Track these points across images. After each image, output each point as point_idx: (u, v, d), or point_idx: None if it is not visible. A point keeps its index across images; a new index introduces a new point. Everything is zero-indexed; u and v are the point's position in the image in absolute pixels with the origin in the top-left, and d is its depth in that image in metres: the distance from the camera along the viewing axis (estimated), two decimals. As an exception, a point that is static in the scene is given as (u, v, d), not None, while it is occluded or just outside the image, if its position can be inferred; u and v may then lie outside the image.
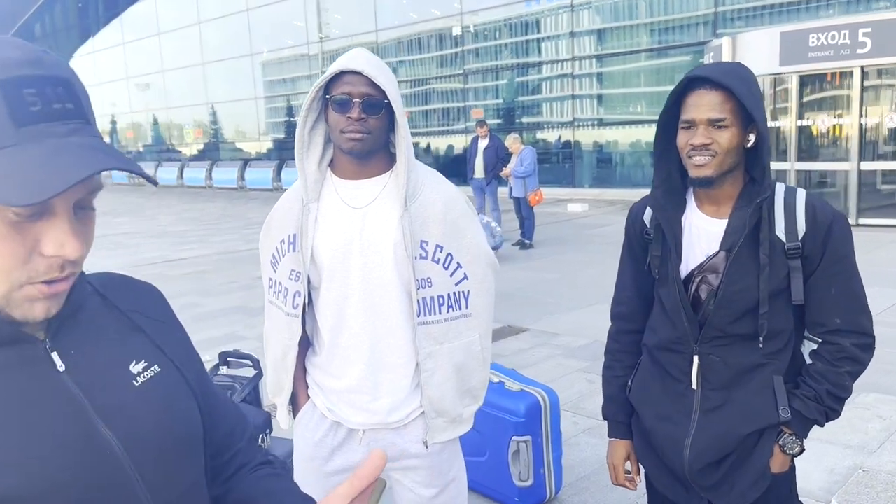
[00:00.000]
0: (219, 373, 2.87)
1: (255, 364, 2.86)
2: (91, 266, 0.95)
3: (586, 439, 4.14)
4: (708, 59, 13.83)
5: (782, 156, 12.40)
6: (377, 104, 1.79)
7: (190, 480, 0.93)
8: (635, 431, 2.04)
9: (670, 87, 1.79)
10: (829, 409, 1.78)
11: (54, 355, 0.84)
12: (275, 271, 2.00)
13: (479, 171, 11.65)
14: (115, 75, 34.50)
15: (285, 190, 2.08)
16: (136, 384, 0.90)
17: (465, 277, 1.94)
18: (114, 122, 36.58)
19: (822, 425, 1.82)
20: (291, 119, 26.64)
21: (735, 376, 1.81)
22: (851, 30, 11.13)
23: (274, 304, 2.02)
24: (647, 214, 1.94)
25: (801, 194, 1.78)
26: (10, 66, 0.74)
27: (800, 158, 12.17)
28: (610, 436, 2.10)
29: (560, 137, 19.87)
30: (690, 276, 1.82)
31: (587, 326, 6.36)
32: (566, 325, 6.62)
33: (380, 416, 1.94)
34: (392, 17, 22.83)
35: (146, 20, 31.80)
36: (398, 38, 23.01)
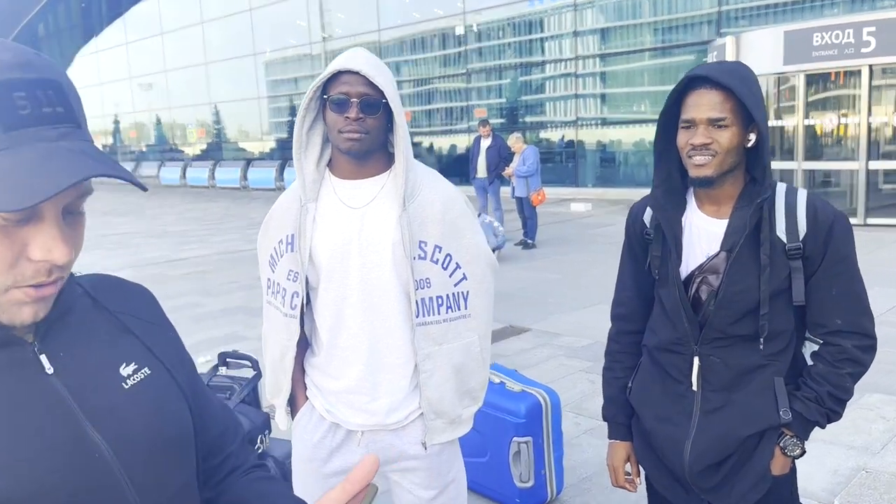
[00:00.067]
0: (218, 373, 2.86)
1: (255, 365, 2.85)
2: (93, 266, 0.94)
3: (588, 440, 4.13)
4: (711, 58, 13.80)
5: (787, 155, 12.36)
6: (375, 104, 1.79)
7: (180, 483, 0.92)
8: (635, 433, 2.03)
9: (673, 87, 1.78)
10: (830, 410, 1.77)
11: (43, 358, 0.84)
12: (273, 272, 1.99)
13: (481, 170, 11.64)
14: (118, 75, 34.55)
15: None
16: (126, 387, 0.89)
17: (464, 278, 1.93)
18: (117, 122, 36.63)
19: (823, 427, 1.80)
20: (294, 119, 26.61)
21: (735, 377, 1.80)
22: (856, 28, 11.09)
23: (272, 305, 2.01)
24: (648, 214, 1.92)
25: (801, 194, 1.76)
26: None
27: (807, 158, 12.11)
28: (610, 437, 2.08)
29: (563, 137, 19.84)
30: (691, 276, 1.80)
31: (589, 327, 6.34)
32: (568, 326, 6.60)
33: (378, 417, 1.93)
34: (395, 17, 22.83)
35: (149, 20, 31.84)
36: (401, 38, 23.00)
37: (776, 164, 12.28)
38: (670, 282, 1.82)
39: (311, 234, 1.90)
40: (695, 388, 1.84)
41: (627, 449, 2.05)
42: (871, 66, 11.13)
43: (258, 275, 2.09)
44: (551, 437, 3.40)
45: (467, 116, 21.46)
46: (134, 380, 0.90)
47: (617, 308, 2.07)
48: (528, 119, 20.62)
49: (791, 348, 1.82)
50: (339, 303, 1.90)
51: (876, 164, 11.58)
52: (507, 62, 20.75)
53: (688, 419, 1.85)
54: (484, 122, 11.71)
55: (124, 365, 0.91)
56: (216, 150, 30.65)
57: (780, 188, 1.78)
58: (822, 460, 3.78)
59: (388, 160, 1.93)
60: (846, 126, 11.92)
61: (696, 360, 1.82)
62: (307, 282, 1.93)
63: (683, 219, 1.84)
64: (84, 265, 10.81)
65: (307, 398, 2.04)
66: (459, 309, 1.93)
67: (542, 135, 20.35)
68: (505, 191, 11.72)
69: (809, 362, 1.82)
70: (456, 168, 20.28)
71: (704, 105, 1.68)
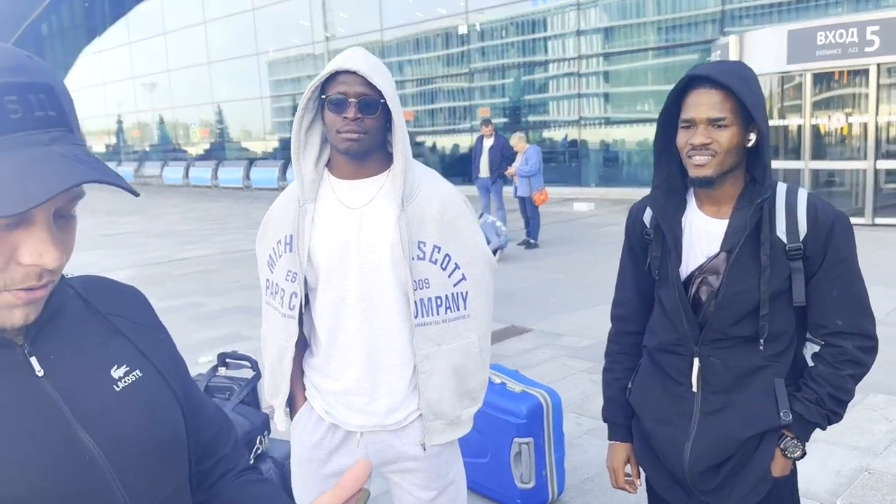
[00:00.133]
0: (217, 374, 2.86)
1: (254, 365, 2.84)
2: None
3: (590, 440, 4.12)
4: (715, 57, 13.77)
5: (791, 154, 12.33)
6: (373, 104, 1.78)
7: (173, 485, 0.92)
8: (635, 434, 2.02)
9: (673, 86, 1.77)
10: (831, 412, 1.76)
11: (33, 360, 0.83)
12: (272, 272, 1.99)
13: (484, 170, 11.63)
14: (121, 75, 34.58)
15: None
16: (117, 389, 0.89)
17: (464, 278, 1.92)
18: (120, 122, 36.67)
19: (823, 428, 1.79)
20: (297, 118, 26.59)
21: (736, 379, 1.79)
22: (860, 27, 11.06)
23: (271, 306, 2.00)
24: (647, 215, 1.91)
25: (802, 194, 1.75)
26: None
27: (814, 157, 12.07)
28: (610, 438, 2.08)
29: (566, 136, 19.82)
30: (691, 277, 1.80)
31: (592, 327, 6.33)
32: (570, 326, 6.59)
33: (377, 418, 1.93)
34: (398, 16, 22.82)
35: (152, 20, 31.86)
36: (404, 37, 22.99)
37: (783, 164, 12.26)
38: (670, 282, 1.81)
39: (310, 234, 1.89)
40: (695, 389, 1.83)
41: (627, 450, 2.04)
42: (878, 65, 11.08)
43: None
44: (552, 437, 3.39)
45: (470, 116, 21.44)
46: (125, 382, 0.90)
47: (617, 309, 2.06)
48: (531, 118, 20.60)
49: (791, 349, 1.81)
50: (337, 303, 1.89)
51: (884, 164, 11.52)
52: (509, 61, 20.73)
53: (688, 420, 1.84)
54: (486, 122, 11.69)
55: (116, 367, 0.90)
56: (219, 150, 30.67)
57: (781, 188, 1.77)
58: (824, 461, 3.77)
59: (386, 160, 1.92)
60: (854, 125, 11.87)
61: (695, 362, 1.81)
62: (306, 282, 1.92)
63: (683, 219, 1.83)
64: (85, 265, 10.86)
65: (306, 399, 2.03)
66: (458, 309, 1.92)
67: (545, 134, 20.33)
68: (507, 190, 11.70)
69: (810, 363, 1.81)
70: (458, 168, 20.27)
71: (704, 105, 1.67)
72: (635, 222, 1.96)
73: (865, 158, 11.56)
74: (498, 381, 3.44)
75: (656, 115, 1.81)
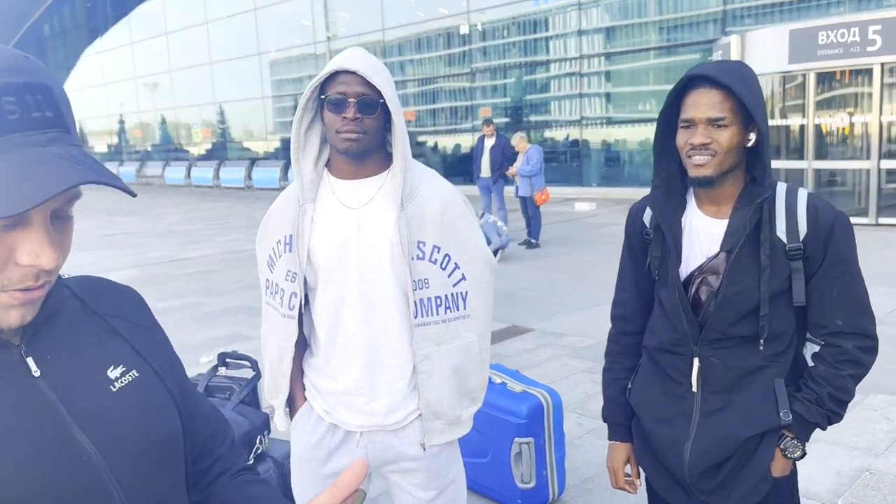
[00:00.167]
0: (217, 374, 2.86)
1: (254, 365, 2.85)
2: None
3: (591, 440, 4.12)
4: (716, 56, 13.76)
5: (793, 154, 12.30)
6: (372, 104, 1.78)
7: (169, 485, 0.92)
8: (635, 434, 2.01)
9: (673, 86, 1.77)
10: (831, 412, 1.76)
11: (29, 360, 0.83)
12: (271, 272, 1.99)
13: (485, 169, 11.62)
14: (123, 75, 34.60)
15: None
16: (114, 389, 0.89)
17: (463, 278, 1.92)
18: (122, 122, 36.69)
19: (823, 429, 1.79)
20: (299, 118, 26.60)
21: (735, 379, 1.79)
22: (861, 27, 11.04)
23: (270, 306, 2.00)
24: (647, 215, 1.91)
25: (802, 194, 1.75)
26: None
27: (817, 157, 12.04)
28: (610, 438, 2.07)
29: (567, 136, 19.81)
30: (690, 277, 1.79)
31: (593, 327, 6.33)
32: (572, 326, 6.59)
33: (377, 418, 1.93)
34: (399, 16, 22.81)
35: (154, 20, 31.88)
36: (405, 37, 22.98)
37: (786, 164, 12.24)
38: (670, 282, 1.81)
39: (309, 234, 1.89)
40: (694, 389, 1.82)
41: (627, 450, 2.04)
42: (882, 65, 11.06)
43: (262, 275, 2.08)
44: (553, 437, 3.39)
45: (471, 116, 21.44)
46: (122, 382, 0.90)
47: (617, 309, 2.06)
48: (533, 118, 20.60)
49: (791, 349, 1.81)
50: (337, 303, 1.89)
51: (888, 164, 11.49)
52: (511, 61, 20.73)
53: (687, 421, 1.84)
54: (488, 122, 11.68)
55: (112, 367, 0.90)
56: (221, 150, 30.69)
57: (781, 188, 1.76)
58: (825, 461, 3.76)
59: (386, 160, 1.92)
60: (857, 125, 11.84)
61: (695, 362, 1.81)
62: (305, 282, 1.92)
63: (683, 219, 1.83)
64: (86, 265, 10.86)
65: (305, 399, 2.03)
66: (458, 309, 1.92)
67: (547, 134, 20.32)
68: (509, 190, 11.70)
69: (810, 363, 1.81)
70: (460, 167, 20.26)
71: (704, 104, 1.67)
72: (635, 222, 1.96)
73: (869, 158, 11.54)
74: (498, 380, 3.44)
75: (658, 115, 1.81)
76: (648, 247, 1.90)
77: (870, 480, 3.56)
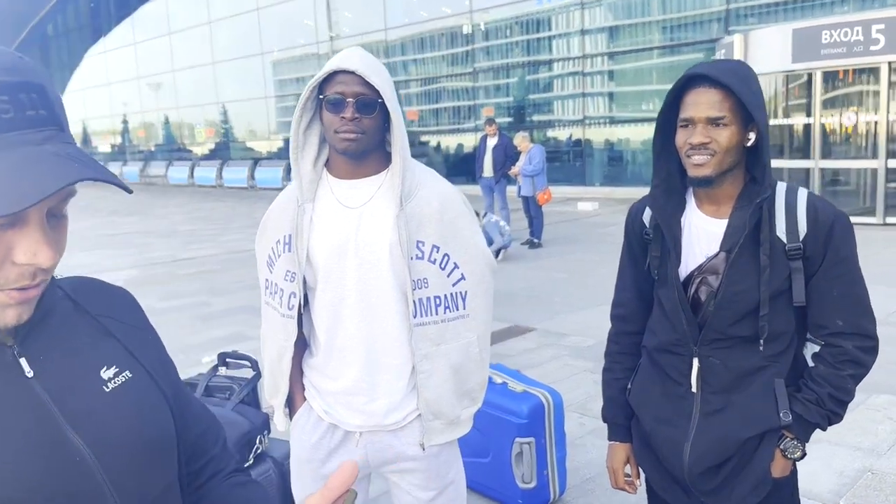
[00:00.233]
0: (217, 374, 2.86)
1: (254, 365, 2.85)
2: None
3: (592, 441, 4.11)
4: (719, 55, 13.74)
5: (800, 153, 12.26)
6: (371, 104, 1.77)
7: (163, 486, 0.92)
8: (635, 434, 2.01)
9: (672, 85, 1.76)
10: (831, 412, 1.75)
11: (22, 361, 0.83)
12: (271, 272, 1.98)
13: (487, 169, 11.61)
14: (127, 75, 34.66)
15: None
16: (107, 390, 0.89)
17: (463, 278, 1.91)
18: (125, 122, 36.75)
19: (823, 429, 1.78)
20: (301, 118, 26.62)
21: (735, 379, 1.78)
22: (865, 26, 11.02)
23: (270, 306, 2.00)
24: (647, 214, 1.91)
25: (802, 194, 1.74)
26: None
27: (823, 156, 12.00)
28: (610, 439, 2.07)
29: (570, 135, 19.80)
30: (690, 277, 1.79)
31: (595, 326, 6.32)
32: (574, 325, 6.58)
33: (376, 418, 1.92)
34: (402, 16, 22.82)
35: (157, 20, 31.93)
36: (408, 37, 22.98)
37: (792, 164, 12.21)
38: (669, 282, 1.81)
39: (309, 234, 1.89)
40: (694, 389, 1.82)
41: (627, 450, 2.04)
42: (889, 64, 11.01)
43: (264, 275, 2.08)
44: (554, 437, 3.39)
45: (474, 115, 21.43)
46: (115, 383, 0.90)
47: (616, 309, 2.06)
48: (536, 118, 20.58)
49: (791, 350, 1.80)
50: (336, 303, 1.89)
51: (896, 163, 11.46)
52: (514, 61, 20.71)
53: (687, 421, 1.83)
54: (490, 121, 11.68)
55: (105, 368, 0.90)
56: (224, 150, 30.72)
57: (780, 188, 1.76)
58: (827, 461, 3.75)
59: (385, 160, 1.92)
60: (864, 124, 11.79)
61: (695, 362, 1.80)
62: (305, 282, 1.92)
63: (683, 219, 1.82)
64: (88, 265, 10.86)
65: (305, 399, 2.03)
66: (458, 309, 1.92)
67: (550, 133, 20.31)
68: (511, 190, 11.70)
69: (810, 364, 1.80)
70: (462, 167, 20.26)
71: (703, 104, 1.66)
72: (634, 222, 1.95)
73: (876, 157, 11.49)
74: (499, 380, 3.44)
75: (657, 115, 1.80)
76: (648, 247, 1.90)
77: (872, 481, 3.55)
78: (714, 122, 1.65)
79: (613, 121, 19.00)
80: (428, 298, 1.87)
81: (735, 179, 1.75)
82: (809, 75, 11.88)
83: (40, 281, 0.80)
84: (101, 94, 36.62)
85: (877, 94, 11.41)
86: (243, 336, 6.62)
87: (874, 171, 11.59)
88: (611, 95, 19.03)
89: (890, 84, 11.17)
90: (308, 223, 1.89)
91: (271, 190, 24.87)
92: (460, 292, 1.92)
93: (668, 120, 1.77)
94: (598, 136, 19.28)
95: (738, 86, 1.63)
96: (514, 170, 11.00)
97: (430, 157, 22.28)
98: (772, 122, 12.52)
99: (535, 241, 10.94)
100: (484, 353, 2.00)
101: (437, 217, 1.87)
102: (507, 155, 11.33)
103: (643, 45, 18.02)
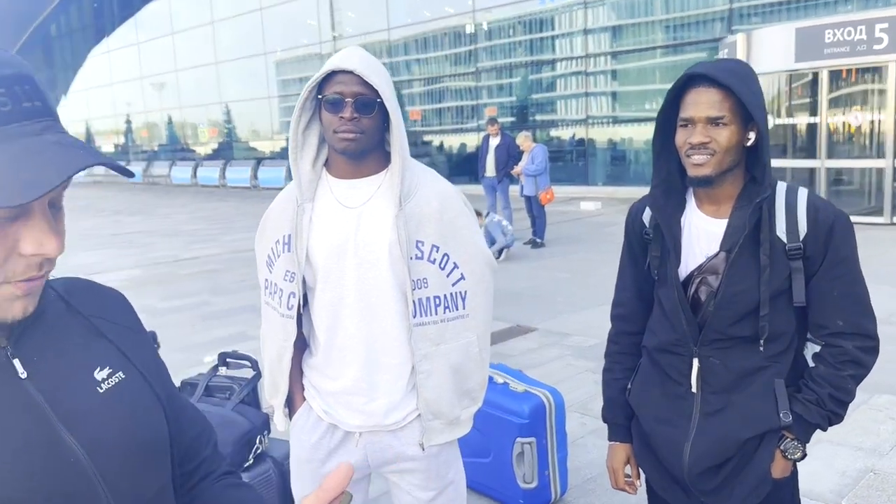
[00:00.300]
0: (218, 373, 2.86)
1: (254, 365, 2.85)
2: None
3: (594, 441, 4.11)
4: (722, 55, 13.71)
5: (802, 153, 12.23)
6: (370, 103, 1.77)
7: (157, 487, 0.92)
8: (635, 434, 2.00)
9: (672, 85, 1.76)
10: (832, 413, 1.74)
11: (16, 362, 0.83)
12: (270, 272, 1.98)
13: (490, 169, 11.61)
14: (130, 75, 34.72)
15: None
16: (101, 391, 0.89)
17: (462, 278, 1.91)
18: (128, 122, 36.81)
19: (824, 430, 1.78)
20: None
21: (735, 379, 1.77)
22: (868, 25, 10.99)
23: (269, 306, 2.00)
24: (647, 214, 1.90)
25: (802, 194, 1.74)
26: None
27: (830, 156, 11.96)
28: (610, 439, 2.07)
29: (573, 135, 19.78)
30: (690, 277, 1.78)
31: (597, 326, 6.31)
32: (576, 325, 6.58)
33: (376, 418, 1.92)
34: (405, 15, 22.82)
35: (160, 20, 31.98)
36: (411, 36, 22.98)
37: (799, 163, 12.17)
38: (669, 282, 1.80)
39: (308, 234, 1.89)
40: (694, 389, 1.81)
41: (627, 451, 2.03)
42: (896, 63, 10.97)
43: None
44: (555, 437, 3.38)
45: (477, 115, 21.43)
46: (108, 384, 0.90)
47: (616, 309, 2.05)
48: (539, 117, 20.57)
49: (792, 350, 1.79)
50: (335, 303, 1.88)
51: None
52: (517, 60, 20.70)
53: (687, 421, 1.83)
54: (493, 121, 11.67)
55: (98, 369, 0.90)
56: (227, 150, 30.75)
57: (781, 187, 1.75)
58: (829, 461, 3.74)
59: (385, 159, 1.91)
60: (872, 123, 11.75)
61: (695, 362, 1.80)
62: (304, 282, 1.92)
63: (682, 218, 1.82)
64: (93, 264, 10.86)
65: (305, 399, 2.03)
66: (457, 309, 1.92)
67: (553, 133, 20.30)
68: (514, 189, 11.69)
69: (811, 364, 1.80)
70: (465, 167, 20.25)
71: (703, 103, 1.66)
72: (634, 222, 1.95)
73: (884, 157, 11.45)
74: (500, 380, 3.43)
75: (657, 114, 1.80)
76: (648, 246, 1.90)
77: (874, 481, 3.54)
78: (714, 121, 1.65)
79: (616, 120, 18.99)
80: (427, 298, 1.87)
81: (735, 179, 1.74)
82: (814, 74, 11.85)
83: (45, 271, 0.81)
84: (105, 94, 36.69)
85: (882, 92, 11.37)
86: (245, 336, 6.62)
87: (881, 171, 11.55)
88: (614, 95, 19.01)
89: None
90: (307, 223, 1.89)
91: (274, 190, 24.88)
92: (460, 292, 1.91)
93: (668, 119, 1.77)
94: (600, 135, 19.26)
95: (737, 85, 1.63)
96: (517, 169, 10.99)
97: (432, 157, 22.28)
98: (777, 121, 12.50)
99: (538, 240, 10.94)
100: (484, 352, 1.99)
101: (436, 217, 1.87)
102: (509, 154, 11.32)
103: (646, 44, 18.00)
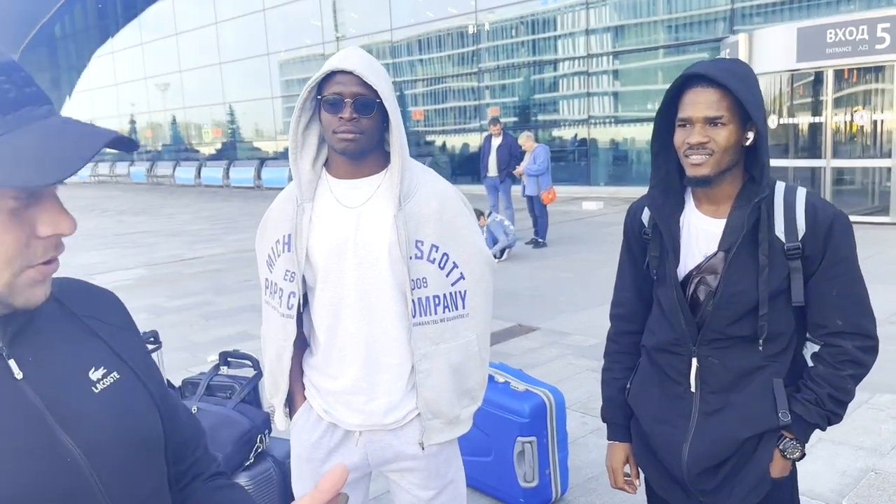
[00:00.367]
0: (219, 373, 2.87)
1: (255, 364, 2.86)
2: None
3: (594, 440, 4.11)
4: (724, 55, 13.68)
5: (810, 153, 12.20)
6: (369, 104, 1.78)
7: (152, 487, 0.92)
8: (634, 434, 2.01)
9: (670, 85, 1.76)
10: (831, 413, 1.75)
11: (11, 363, 0.83)
12: (270, 272, 1.99)
13: (492, 169, 11.61)
14: (134, 75, 34.79)
15: None
16: (96, 391, 0.89)
17: (462, 277, 1.92)
18: (133, 122, 36.87)
19: (823, 429, 1.78)
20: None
21: (734, 379, 1.78)
22: (870, 25, 10.97)
23: (270, 305, 2.01)
24: (646, 214, 1.91)
25: (801, 193, 1.74)
26: None
27: (835, 155, 11.94)
28: (609, 438, 2.07)
29: (575, 135, 19.77)
30: (689, 276, 1.78)
31: (598, 326, 6.30)
32: (577, 325, 6.58)
33: (376, 418, 1.93)
34: (408, 16, 22.83)
35: (164, 20, 32.04)
36: (414, 37, 22.99)
37: (804, 163, 12.15)
38: (668, 282, 1.81)
39: (308, 234, 1.89)
40: (693, 389, 1.82)
41: (626, 450, 2.03)
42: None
43: (266, 274, 2.08)
44: (556, 436, 3.39)
45: (479, 115, 21.42)
46: (104, 384, 0.90)
47: (616, 308, 2.06)
48: (541, 117, 20.57)
49: (791, 349, 1.80)
50: (335, 303, 1.89)
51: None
52: (519, 60, 20.70)
53: (686, 421, 1.83)
54: (494, 121, 11.67)
55: (93, 369, 0.91)
56: (230, 150, 30.78)
57: (779, 187, 1.75)
58: (830, 461, 3.74)
59: (384, 159, 1.92)
60: (877, 123, 11.72)
61: (694, 362, 1.80)
62: (304, 282, 1.93)
63: (681, 218, 1.82)
64: (97, 264, 10.87)
65: (305, 398, 2.03)
66: (457, 308, 1.92)
67: (555, 133, 20.29)
68: (516, 189, 11.69)
69: (810, 364, 1.80)
70: (467, 167, 20.26)
71: (701, 103, 1.66)
72: (633, 222, 1.95)
73: (890, 156, 11.42)
74: (501, 379, 3.44)
75: (655, 114, 1.80)
76: (647, 246, 1.90)
77: (875, 480, 3.54)
78: (712, 121, 1.65)
79: (618, 120, 18.97)
80: (427, 298, 1.88)
81: (733, 179, 1.74)
82: (816, 74, 11.83)
83: (59, 252, 0.82)
84: (109, 94, 36.75)
85: (885, 92, 11.34)
86: (248, 335, 6.63)
87: (887, 170, 11.52)
88: (616, 95, 19.00)
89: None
90: (307, 223, 1.89)
91: (278, 190, 24.78)
92: (459, 291, 1.92)
93: (667, 119, 1.77)
94: (602, 135, 19.25)
95: (736, 85, 1.63)
96: (519, 169, 10.99)
97: (435, 157, 22.28)
98: (780, 121, 12.48)
99: (540, 240, 10.94)
100: (483, 352, 2.00)
101: (435, 217, 1.88)
102: (511, 154, 11.32)
103: (648, 44, 17.99)
